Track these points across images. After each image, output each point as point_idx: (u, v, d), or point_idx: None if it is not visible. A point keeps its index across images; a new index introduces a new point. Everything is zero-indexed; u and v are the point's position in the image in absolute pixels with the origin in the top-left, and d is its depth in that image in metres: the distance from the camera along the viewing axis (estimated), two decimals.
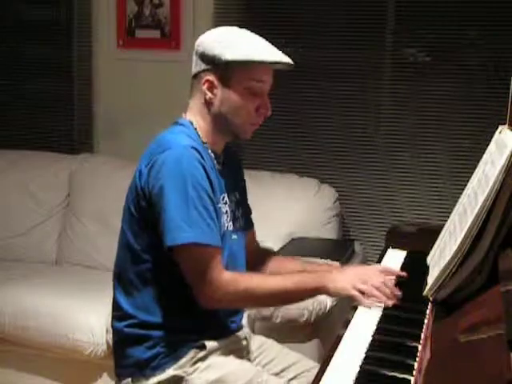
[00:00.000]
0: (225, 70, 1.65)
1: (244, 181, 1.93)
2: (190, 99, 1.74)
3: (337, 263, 2.39)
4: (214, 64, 1.65)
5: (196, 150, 1.63)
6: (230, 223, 1.76)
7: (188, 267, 1.62)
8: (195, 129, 1.71)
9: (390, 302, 1.57)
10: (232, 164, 1.84)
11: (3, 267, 3.17)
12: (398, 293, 1.59)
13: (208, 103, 1.69)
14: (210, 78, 1.66)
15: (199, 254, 1.60)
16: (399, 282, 1.66)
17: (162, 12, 3.44)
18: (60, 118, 3.77)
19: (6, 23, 3.76)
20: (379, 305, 1.57)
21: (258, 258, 1.93)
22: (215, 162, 1.73)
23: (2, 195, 3.42)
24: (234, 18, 3.37)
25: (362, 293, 1.59)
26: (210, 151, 1.71)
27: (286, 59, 1.67)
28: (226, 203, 1.75)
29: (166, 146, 1.63)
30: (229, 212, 1.76)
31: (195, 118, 1.72)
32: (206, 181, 1.63)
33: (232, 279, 1.63)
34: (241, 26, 1.72)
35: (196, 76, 1.70)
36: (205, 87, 1.67)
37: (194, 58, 1.70)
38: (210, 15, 3.37)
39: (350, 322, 1.53)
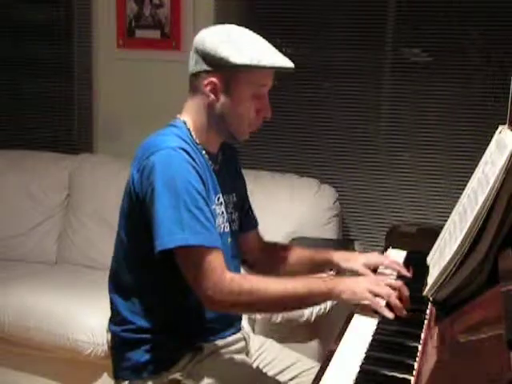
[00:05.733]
0: (230, 74, 1.59)
1: (243, 180, 1.88)
2: (188, 97, 1.69)
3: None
4: (219, 66, 1.59)
5: (185, 150, 1.57)
6: (227, 224, 1.72)
7: (186, 270, 1.56)
8: (188, 129, 1.66)
9: (404, 312, 1.51)
10: (230, 164, 1.81)
11: (3, 267, 3.17)
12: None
13: (209, 105, 1.63)
14: (214, 79, 1.60)
15: (195, 256, 1.52)
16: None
17: (162, 12, 3.44)
18: (60, 118, 3.77)
19: (6, 23, 3.76)
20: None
21: (271, 255, 1.92)
22: (210, 162, 1.69)
23: (2, 195, 3.42)
24: (234, 18, 3.37)
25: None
26: (204, 151, 1.67)
27: (290, 63, 1.63)
28: (221, 204, 1.70)
29: (154, 148, 1.57)
30: (225, 213, 1.71)
31: (191, 117, 1.67)
32: (199, 181, 1.57)
33: (235, 279, 1.54)
34: (241, 26, 1.68)
35: (196, 75, 1.63)
36: (207, 89, 1.61)
37: (194, 55, 1.63)
38: (210, 15, 3.37)
39: (349, 322, 1.53)
